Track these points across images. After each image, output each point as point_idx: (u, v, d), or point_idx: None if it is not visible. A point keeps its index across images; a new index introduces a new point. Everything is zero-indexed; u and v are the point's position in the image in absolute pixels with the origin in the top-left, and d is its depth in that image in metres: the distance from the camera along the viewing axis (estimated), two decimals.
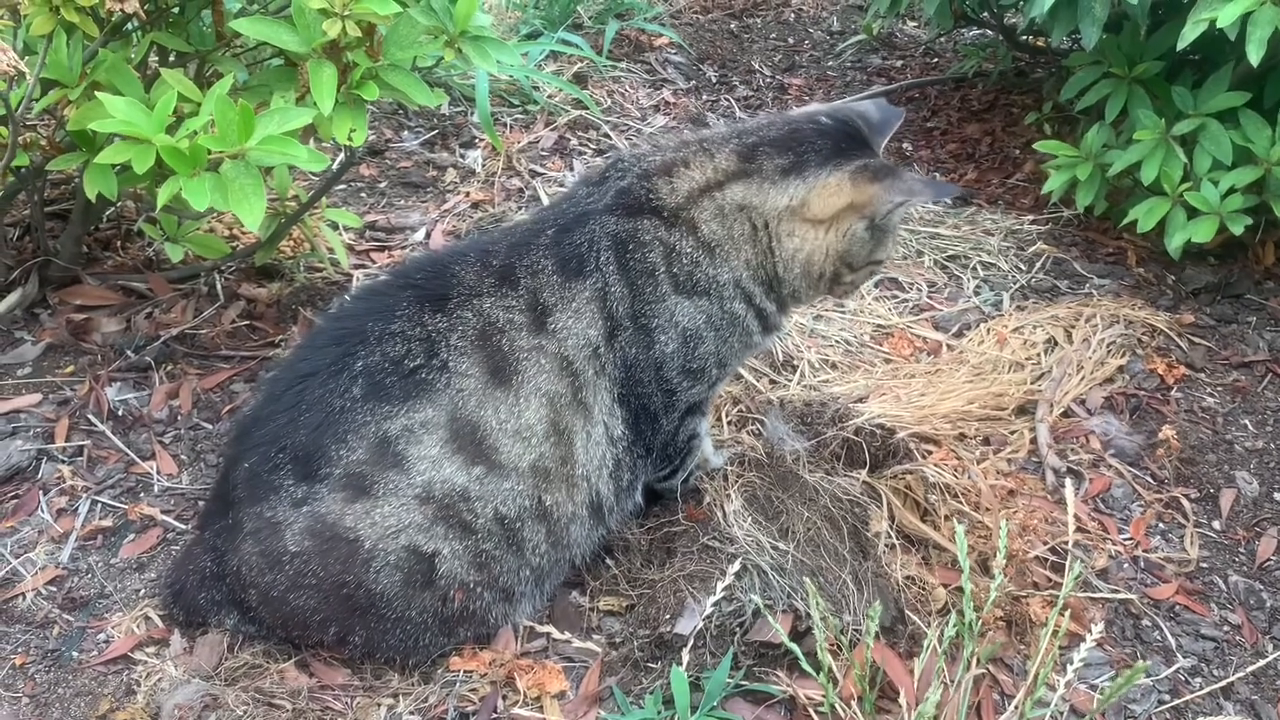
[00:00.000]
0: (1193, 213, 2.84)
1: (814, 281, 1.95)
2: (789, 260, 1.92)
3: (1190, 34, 2.52)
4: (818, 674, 1.63)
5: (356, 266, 2.98)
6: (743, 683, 1.85)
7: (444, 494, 1.78)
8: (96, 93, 2.04)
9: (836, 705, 1.68)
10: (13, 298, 2.64)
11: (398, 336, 1.81)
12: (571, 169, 3.66)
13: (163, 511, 2.20)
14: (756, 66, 4.70)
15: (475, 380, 1.80)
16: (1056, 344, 2.84)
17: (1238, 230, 2.78)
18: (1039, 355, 2.80)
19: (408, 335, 1.81)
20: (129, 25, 2.33)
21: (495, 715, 1.83)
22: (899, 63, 4.84)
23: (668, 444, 2.04)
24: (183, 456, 2.34)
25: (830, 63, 4.83)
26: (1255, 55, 2.40)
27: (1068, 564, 2.11)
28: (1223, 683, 1.98)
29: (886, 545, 2.10)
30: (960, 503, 2.24)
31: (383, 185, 3.53)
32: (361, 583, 1.78)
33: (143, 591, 2.03)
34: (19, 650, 1.92)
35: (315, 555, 1.77)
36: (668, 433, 2.01)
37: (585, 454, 1.87)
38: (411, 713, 1.82)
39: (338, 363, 1.80)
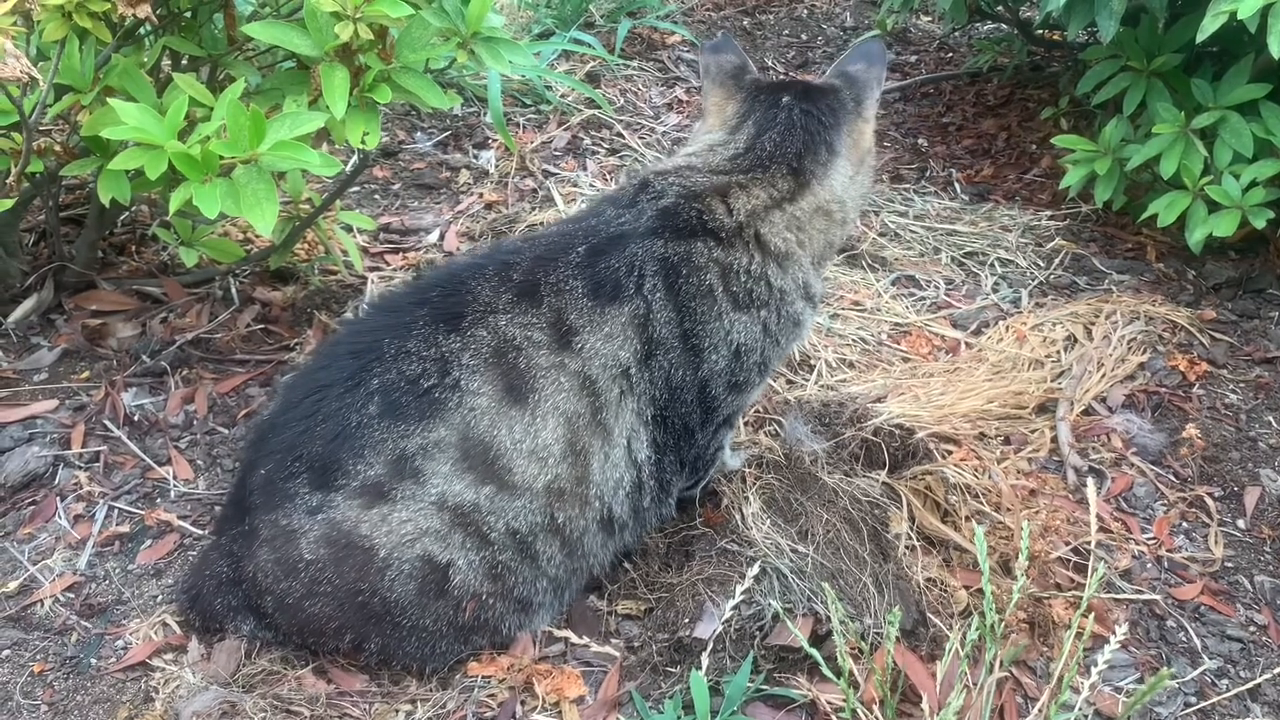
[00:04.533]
0: (1214, 207, 2.81)
1: (857, 212, 2.13)
2: (857, 202, 2.08)
3: (1210, 26, 2.49)
4: (838, 678, 1.61)
5: (371, 269, 2.98)
6: (763, 687, 1.84)
7: (457, 504, 1.77)
8: (109, 98, 2.03)
9: (858, 710, 1.67)
10: (28, 304, 2.65)
11: (412, 355, 1.79)
12: (585, 168, 3.65)
13: (179, 517, 2.19)
14: (770, 63, 4.68)
15: (488, 399, 1.78)
16: (1076, 341, 2.81)
17: (1260, 224, 2.74)
18: (1059, 352, 2.77)
19: (422, 355, 1.79)
20: (141, 30, 2.33)
21: None
22: (913, 58, 4.81)
23: (699, 456, 2.04)
24: (199, 461, 2.34)
25: None
26: (1276, 47, 2.37)
27: (1090, 564, 2.09)
28: (1250, 684, 1.96)
29: (907, 547, 2.08)
30: (981, 503, 2.22)
31: (396, 187, 3.53)
32: (376, 591, 1.77)
33: (160, 598, 2.03)
34: (37, 658, 1.91)
35: (330, 563, 1.76)
36: (701, 446, 2.02)
37: (601, 474, 1.86)
38: (430, 719, 1.81)
39: (354, 377, 1.79)
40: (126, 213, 2.91)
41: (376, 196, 3.46)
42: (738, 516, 2.07)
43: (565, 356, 1.81)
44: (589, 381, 1.82)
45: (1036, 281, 3.12)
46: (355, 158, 2.80)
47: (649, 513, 1.99)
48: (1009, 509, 2.22)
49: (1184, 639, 2.05)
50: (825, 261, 2.07)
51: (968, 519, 2.17)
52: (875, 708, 1.71)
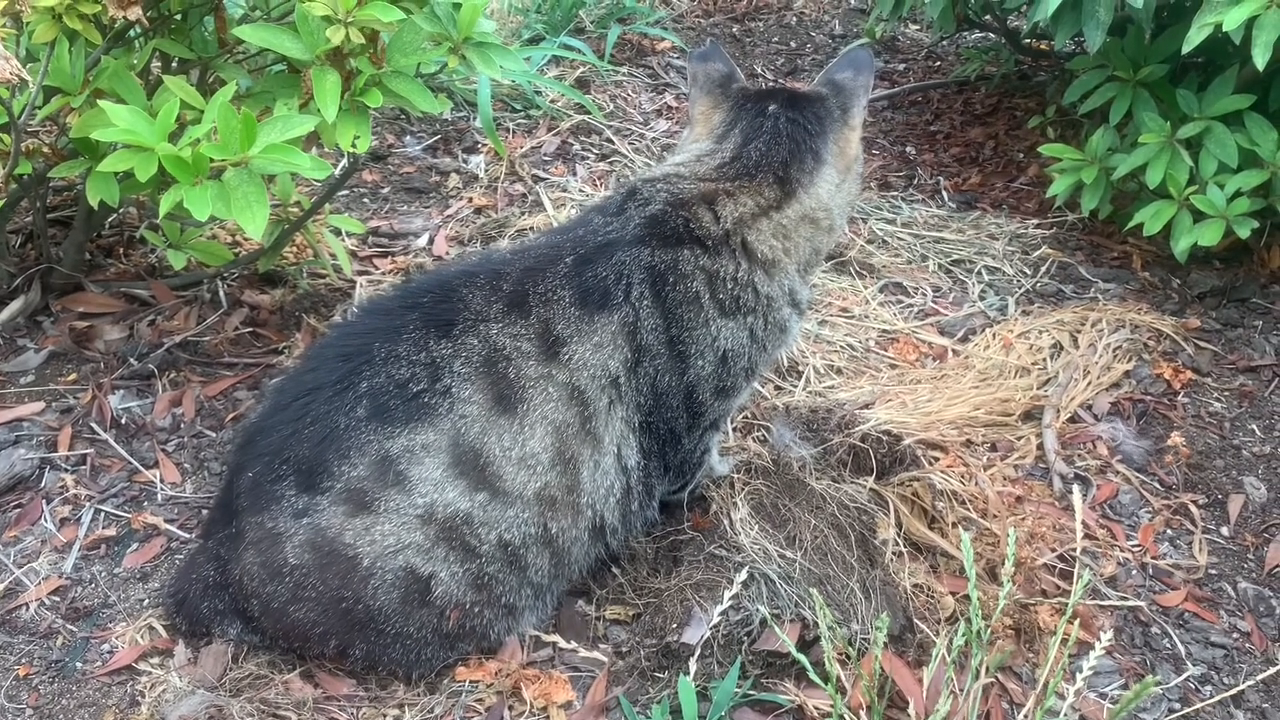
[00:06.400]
0: (1199, 216, 2.83)
1: (845, 218, 2.14)
2: (844, 210, 2.08)
3: (1195, 37, 2.51)
4: (825, 684, 1.62)
5: (359, 273, 2.97)
6: (750, 692, 1.84)
7: (446, 517, 1.77)
8: (99, 100, 2.03)
9: (845, 715, 1.67)
10: (15, 305, 2.63)
11: (402, 360, 1.79)
12: (574, 173, 3.65)
13: (166, 520, 2.19)
14: (759, 70, 4.69)
15: (478, 407, 1.78)
16: (1062, 349, 2.83)
17: (1244, 234, 2.77)
18: (1045, 360, 2.79)
19: (412, 360, 1.79)
20: (132, 32, 2.32)
21: None
22: (902, 66, 4.83)
23: (685, 460, 2.05)
24: (186, 465, 2.34)
25: None
26: (1261, 59, 2.39)
27: (1076, 571, 2.10)
28: (1233, 691, 1.97)
29: (894, 553, 2.09)
30: (968, 509, 2.23)
31: (385, 191, 3.53)
32: (360, 598, 1.77)
33: (146, 601, 2.02)
34: (23, 661, 1.91)
35: (314, 569, 1.76)
36: (688, 450, 2.03)
37: (592, 483, 1.86)
38: None
39: (343, 380, 1.79)
40: (115, 215, 2.90)
41: (365, 200, 3.46)
42: (726, 522, 2.07)
43: (553, 368, 1.81)
44: (577, 392, 1.82)
45: (1023, 289, 3.14)
46: (345, 161, 2.80)
47: (636, 517, 1.99)
48: (995, 516, 2.23)
49: (1168, 645, 2.07)
50: (812, 269, 2.08)
51: (954, 525, 2.18)
52: (862, 713, 1.71)
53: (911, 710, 1.69)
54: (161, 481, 2.29)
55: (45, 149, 2.30)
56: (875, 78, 4.64)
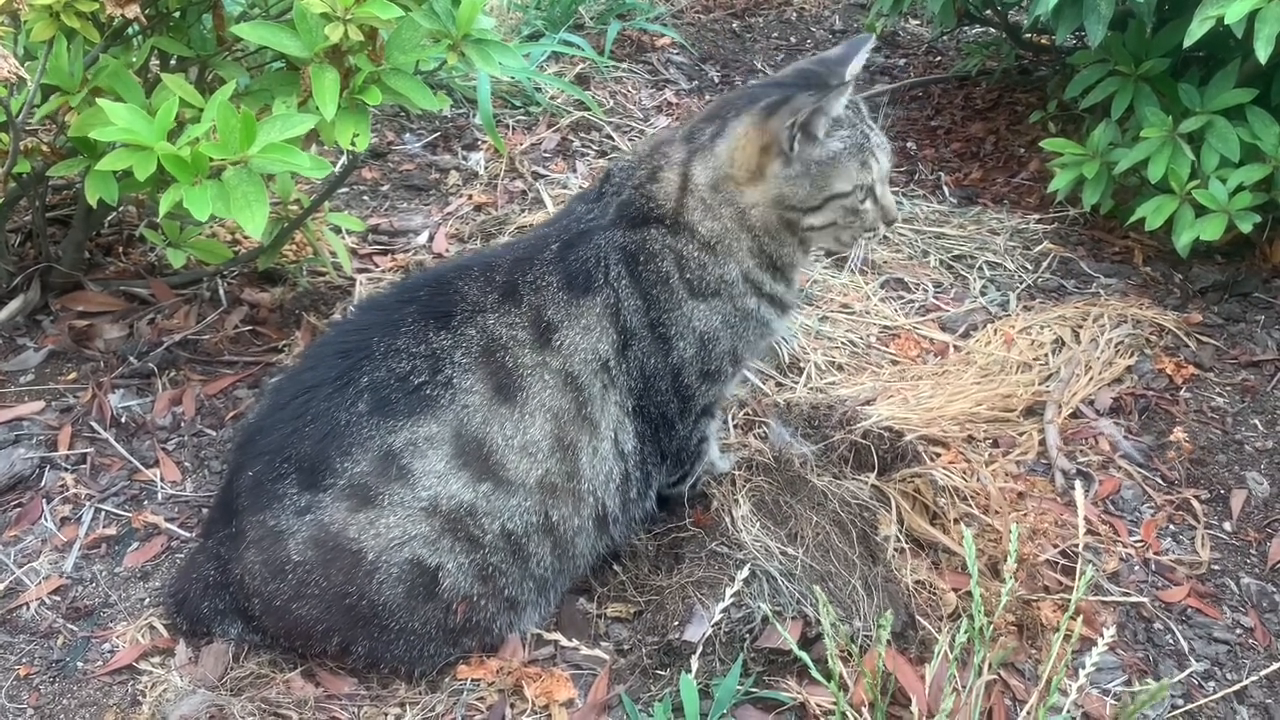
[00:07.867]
0: (1201, 211, 2.82)
1: (782, 237, 1.93)
2: (765, 216, 1.90)
3: (1197, 31, 2.50)
4: (828, 681, 1.61)
5: (359, 270, 2.97)
6: (752, 690, 1.84)
7: (450, 509, 1.77)
8: (98, 99, 2.02)
9: (847, 713, 1.67)
10: (15, 304, 2.63)
11: (402, 353, 1.80)
12: (574, 170, 3.65)
13: (167, 519, 2.18)
14: (759, 66, 4.68)
15: (480, 397, 1.79)
16: (1064, 344, 2.82)
17: (1246, 228, 2.76)
18: (1046, 356, 2.78)
19: (412, 352, 1.80)
20: (130, 30, 2.32)
21: None
22: (902, 61, 4.82)
23: (681, 449, 2.05)
24: (186, 463, 2.33)
25: None
26: (1263, 52, 2.38)
27: (1078, 567, 2.10)
28: (1236, 686, 1.97)
29: (896, 550, 2.08)
30: (969, 506, 2.22)
31: (385, 188, 3.52)
32: (364, 594, 1.77)
33: (147, 600, 2.02)
34: (23, 661, 1.90)
35: (318, 565, 1.76)
36: (682, 437, 2.02)
37: (591, 469, 1.87)
38: None
39: (343, 376, 1.80)
40: (114, 213, 2.90)
41: (365, 198, 3.46)
42: (727, 519, 2.07)
43: (547, 354, 1.83)
44: (571, 378, 1.84)
45: (1024, 284, 3.13)
46: (344, 159, 2.79)
47: (635, 506, 2.00)
48: (997, 512, 2.22)
49: (1171, 641, 2.06)
50: (780, 269, 1.96)
51: (956, 522, 2.17)
52: (864, 711, 1.71)
53: (914, 707, 1.69)
54: (162, 480, 2.28)
55: (44, 148, 2.29)
56: (875, 73, 4.64)
